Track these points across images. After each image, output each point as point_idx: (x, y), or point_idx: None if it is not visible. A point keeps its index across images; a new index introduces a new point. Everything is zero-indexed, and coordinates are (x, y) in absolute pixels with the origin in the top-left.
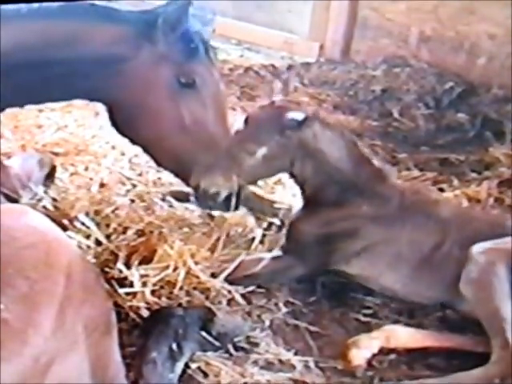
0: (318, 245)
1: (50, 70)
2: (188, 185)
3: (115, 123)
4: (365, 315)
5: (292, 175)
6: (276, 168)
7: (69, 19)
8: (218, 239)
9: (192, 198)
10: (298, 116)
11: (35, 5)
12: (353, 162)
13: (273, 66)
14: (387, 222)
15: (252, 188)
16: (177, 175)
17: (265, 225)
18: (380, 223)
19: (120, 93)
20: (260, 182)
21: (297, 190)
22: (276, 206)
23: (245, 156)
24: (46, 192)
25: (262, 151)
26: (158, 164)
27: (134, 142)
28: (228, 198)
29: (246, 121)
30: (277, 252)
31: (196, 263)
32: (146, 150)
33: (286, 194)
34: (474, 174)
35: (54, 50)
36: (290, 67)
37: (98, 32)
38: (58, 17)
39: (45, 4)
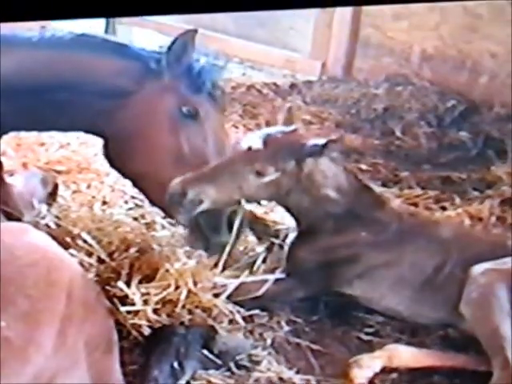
0: (319, 270)
1: (52, 99)
2: (178, 223)
3: (108, 155)
4: (367, 334)
5: (285, 207)
6: (271, 195)
7: (77, 50)
8: (219, 258)
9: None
10: (319, 144)
11: (48, 33)
12: (352, 193)
13: (275, 84)
14: (387, 246)
15: (251, 208)
16: (166, 213)
17: (266, 244)
18: (380, 248)
19: (121, 126)
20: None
21: None
22: (277, 226)
23: (251, 176)
24: (48, 210)
25: (271, 176)
26: (149, 199)
27: (125, 175)
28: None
29: (265, 142)
30: (279, 274)
31: (197, 282)
32: (137, 184)
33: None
34: (476, 193)
35: (58, 79)
36: (292, 86)
37: (103, 64)
38: (67, 47)
39: (58, 34)
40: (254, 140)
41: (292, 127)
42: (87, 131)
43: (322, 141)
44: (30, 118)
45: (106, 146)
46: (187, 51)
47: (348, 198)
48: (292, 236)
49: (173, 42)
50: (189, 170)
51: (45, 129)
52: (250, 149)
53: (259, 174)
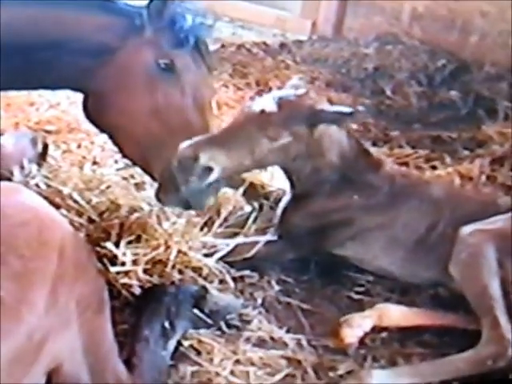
0: (311, 233)
1: (36, 56)
2: (151, 176)
3: (86, 108)
4: (357, 293)
5: (286, 172)
6: (279, 161)
7: (63, 8)
8: (209, 218)
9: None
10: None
11: None
12: (352, 158)
13: (265, 43)
14: (380, 209)
15: None
16: (140, 166)
17: (256, 205)
18: (373, 211)
19: (102, 82)
20: None
21: None
22: (267, 188)
23: (263, 140)
24: (38, 170)
25: (284, 140)
26: (123, 153)
27: (102, 129)
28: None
29: (279, 105)
30: (270, 236)
31: (187, 242)
32: (112, 138)
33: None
34: (466, 152)
35: (44, 37)
36: (282, 45)
37: (88, 21)
38: (53, 5)
39: None
40: (266, 103)
41: (303, 90)
42: (74, 89)
43: (341, 109)
44: (17, 76)
45: (85, 101)
46: (167, 4)
47: (346, 163)
48: (285, 199)
49: None
50: (164, 124)
51: (32, 87)
52: (263, 112)
53: (272, 138)
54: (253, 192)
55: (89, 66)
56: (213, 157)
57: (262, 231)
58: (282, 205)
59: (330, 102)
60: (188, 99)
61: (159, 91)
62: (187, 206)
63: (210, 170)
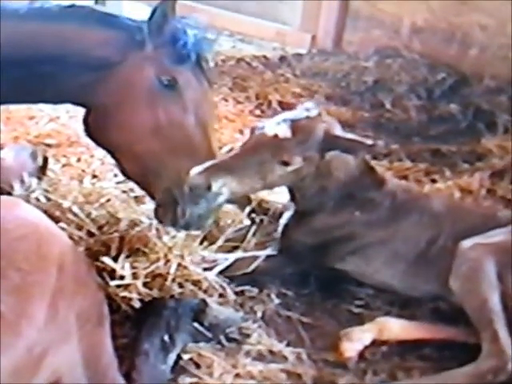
0: (312, 250)
1: (37, 70)
2: (150, 195)
3: (87, 125)
4: (357, 306)
5: (292, 190)
6: (289, 182)
7: (63, 22)
8: (209, 231)
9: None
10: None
11: (36, 5)
12: (357, 176)
13: (265, 57)
14: (381, 224)
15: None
16: (140, 184)
17: (256, 219)
18: (374, 226)
19: (103, 97)
20: None
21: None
22: (265, 205)
23: (276, 166)
24: (38, 184)
25: (296, 165)
26: (124, 173)
27: (103, 146)
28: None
29: (293, 129)
30: (270, 251)
31: (187, 256)
32: (114, 156)
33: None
34: (466, 165)
35: (41, 50)
36: (282, 58)
37: (89, 35)
38: (54, 19)
39: (46, 5)
40: (279, 127)
41: (316, 112)
42: (75, 103)
43: (358, 139)
44: (18, 89)
45: (86, 117)
46: (167, 20)
47: (352, 180)
48: (287, 215)
49: (153, 12)
50: (165, 143)
51: (33, 101)
52: (276, 137)
53: (285, 163)
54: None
55: (89, 80)
56: (225, 184)
57: (262, 245)
58: (283, 221)
59: (330, 115)
60: (190, 117)
61: (160, 108)
62: (187, 227)
63: (219, 193)
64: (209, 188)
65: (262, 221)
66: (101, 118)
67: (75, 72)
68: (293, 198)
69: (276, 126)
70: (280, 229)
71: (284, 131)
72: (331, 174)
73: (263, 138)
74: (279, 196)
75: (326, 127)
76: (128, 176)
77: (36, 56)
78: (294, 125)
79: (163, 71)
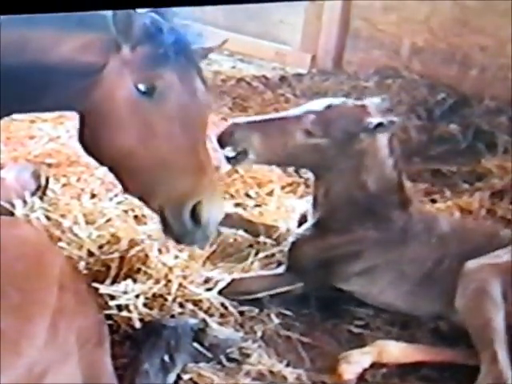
0: (320, 268)
1: (29, 79)
2: (153, 210)
3: (83, 141)
4: (357, 326)
5: (317, 177)
6: (313, 162)
7: (43, 28)
8: (212, 252)
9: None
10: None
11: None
12: (387, 189)
13: (265, 77)
14: (390, 245)
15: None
16: (142, 202)
17: (258, 240)
18: (384, 246)
19: (92, 107)
20: (252, 194)
21: (289, 203)
22: (271, 229)
23: (298, 133)
24: (40, 203)
25: (319, 139)
26: (124, 188)
27: (99, 161)
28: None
29: (327, 107)
30: (274, 270)
31: (188, 276)
32: (111, 171)
33: (279, 211)
34: (466, 185)
35: (29, 58)
36: (282, 78)
37: (66, 40)
38: (34, 26)
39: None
40: (315, 104)
41: (363, 102)
42: (71, 109)
43: (379, 119)
44: (14, 100)
45: (81, 129)
46: (132, 17)
47: (379, 194)
48: (304, 226)
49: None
50: (154, 157)
51: (30, 110)
52: (309, 112)
53: (308, 133)
54: (253, 229)
55: (80, 86)
56: (247, 137)
57: (265, 266)
58: (298, 231)
59: None
60: (175, 125)
61: (142, 120)
62: (191, 242)
63: (245, 153)
64: (231, 135)
65: (265, 243)
66: (92, 131)
67: (65, 79)
68: (314, 202)
69: (312, 105)
70: (291, 239)
71: (317, 107)
72: (360, 173)
73: (294, 112)
74: (285, 221)
75: (362, 113)
76: (129, 192)
77: (22, 66)
78: (329, 105)
79: (140, 77)
